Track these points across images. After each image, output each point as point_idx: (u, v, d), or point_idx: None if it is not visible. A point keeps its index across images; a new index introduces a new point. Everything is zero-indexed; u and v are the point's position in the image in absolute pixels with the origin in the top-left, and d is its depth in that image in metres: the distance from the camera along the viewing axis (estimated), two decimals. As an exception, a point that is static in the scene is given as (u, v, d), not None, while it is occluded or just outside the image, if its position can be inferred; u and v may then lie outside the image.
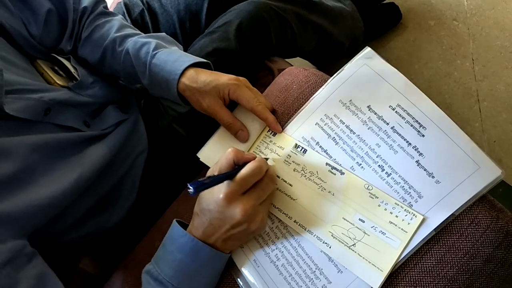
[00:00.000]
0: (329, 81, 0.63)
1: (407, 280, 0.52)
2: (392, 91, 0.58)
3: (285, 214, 0.60)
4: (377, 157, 0.57)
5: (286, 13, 0.87)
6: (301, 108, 0.65)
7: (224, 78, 0.67)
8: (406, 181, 0.54)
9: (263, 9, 0.83)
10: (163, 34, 0.79)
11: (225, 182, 0.54)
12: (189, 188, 0.49)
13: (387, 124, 0.57)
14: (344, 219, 0.56)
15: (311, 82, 0.69)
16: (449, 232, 0.52)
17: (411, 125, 0.56)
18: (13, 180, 0.53)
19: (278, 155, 0.63)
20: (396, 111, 0.57)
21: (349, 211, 0.56)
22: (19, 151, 0.55)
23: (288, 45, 0.91)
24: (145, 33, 0.78)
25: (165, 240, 0.59)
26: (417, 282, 0.52)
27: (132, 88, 0.89)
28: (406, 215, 0.53)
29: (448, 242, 0.52)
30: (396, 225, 0.53)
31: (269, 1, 0.86)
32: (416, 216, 0.52)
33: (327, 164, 0.59)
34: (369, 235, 0.54)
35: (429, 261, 0.52)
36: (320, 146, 0.61)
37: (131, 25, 0.81)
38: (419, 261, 0.52)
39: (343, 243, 0.55)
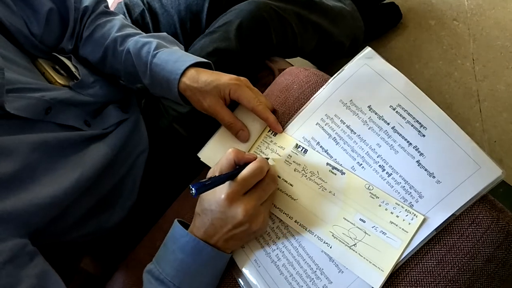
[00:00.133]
0: (329, 81, 0.63)
1: (407, 280, 0.52)
2: (393, 91, 0.58)
3: (286, 214, 0.60)
4: (377, 157, 0.57)
5: (287, 13, 0.87)
6: (302, 108, 0.65)
7: (225, 78, 0.67)
8: (407, 181, 0.54)
9: (264, 9, 0.83)
10: (164, 34, 0.79)
11: (227, 183, 0.54)
12: (191, 190, 0.49)
13: (388, 124, 0.57)
14: (345, 219, 0.56)
15: (312, 82, 0.69)
16: (449, 232, 0.52)
17: (412, 125, 0.56)
18: (14, 179, 0.53)
19: (279, 155, 0.63)
20: (396, 111, 0.57)
21: (350, 211, 0.56)
22: (20, 150, 0.55)
23: (289, 45, 0.91)
24: (145, 33, 0.78)
25: (166, 240, 0.60)
26: (418, 282, 0.52)
27: (133, 88, 0.89)
28: (406, 215, 0.53)
29: (449, 242, 0.52)
30: (396, 225, 0.53)
31: (270, 1, 0.86)
32: (416, 216, 0.52)
33: (327, 164, 0.59)
34: (369, 235, 0.54)
35: (430, 261, 0.52)
36: (321, 146, 0.61)
37: (132, 25, 0.81)
38: (420, 261, 0.52)
39: (343, 243, 0.55)
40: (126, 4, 0.97)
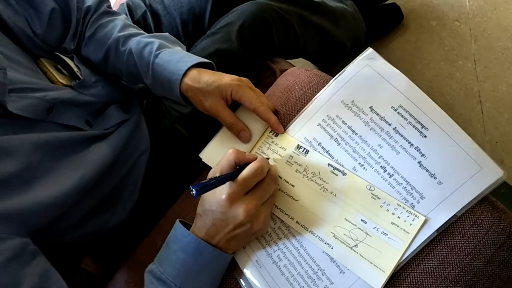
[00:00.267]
0: (331, 82, 0.63)
1: (409, 281, 0.52)
2: (394, 92, 0.58)
3: (287, 214, 0.60)
4: (379, 158, 0.57)
5: (288, 14, 0.87)
6: (303, 109, 0.65)
7: (226, 78, 0.67)
8: (408, 182, 0.54)
9: (265, 10, 0.83)
10: (166, 34, 0.79)
11: (228, 183, 0.54)
12: (192, 191, 0.49)
13: (389, 125, 0.57)
14: (346, 220, 0.56)
15: (313, 83, 0.69)
16: (451, 233, 0.52)
17: (413, 126, 0.56)
18: (16, 179, 0.53)
19: (280, 156, 0.64)
20: (398, 112, 0.57)
21: (351, 212, 0.56)
22: (22, 150, 0.55)
23: (290, 46, 0.91)
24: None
25: (168, 240, 0.60)
26: (419, 283, 0.52)
27: (135, 88, 0.89)
28: (408, 216, 0.53)
29: (450, 243, 0.52)
30: (398, 226, 0.53)
31: (271, 2, 0.86)
32: (418, 217, 0.52)
33: (329, 164, 0.59)
34: (371, 236, 0.54)
35: (431, 262, 0.52)
36: (322, 147, 0.61)
37: (134, 25, 0.81)
38: (421, 262, 0.52)
39: (345, 243, 0.55)
40: (128, 6, 0.97)
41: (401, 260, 0.52)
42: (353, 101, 0.60)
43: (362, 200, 0.56)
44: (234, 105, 0.70)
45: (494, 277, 0.51)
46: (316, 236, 0.57)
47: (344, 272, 0.54)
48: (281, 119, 0.67)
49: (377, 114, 0.58)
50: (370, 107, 0.59)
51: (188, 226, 0.59)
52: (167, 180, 0.82)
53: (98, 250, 0.82)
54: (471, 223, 0.52)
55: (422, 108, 0.56)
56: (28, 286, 0.48)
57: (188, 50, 0.80)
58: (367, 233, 0.54)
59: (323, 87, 0.64)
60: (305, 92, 0.68)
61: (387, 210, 0.54)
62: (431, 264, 0.52)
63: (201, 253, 0.56)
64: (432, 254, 0.52)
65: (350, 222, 0.56)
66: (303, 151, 0.62)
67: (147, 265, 0.60)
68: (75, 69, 0.72)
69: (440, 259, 0.52)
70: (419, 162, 0.54)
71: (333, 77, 0.64)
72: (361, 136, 0.59)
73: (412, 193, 0.54)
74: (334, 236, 0.56)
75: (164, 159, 0.81)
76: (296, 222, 0.59)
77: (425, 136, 0.55)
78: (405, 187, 0.54)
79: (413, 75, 1.26)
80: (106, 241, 0.78)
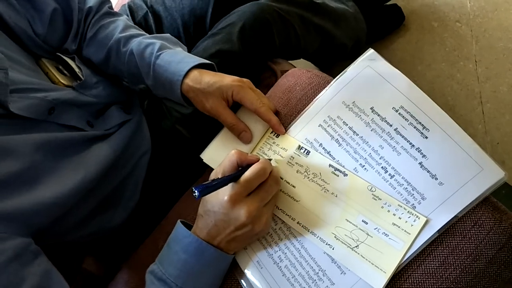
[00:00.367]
0: (332, 82, 0.63)
1: (410, 281, 0.52)
2: (395, 92, 0.58)
3: (288, 215, 0.60)
4: (380, 158, 0.57)
5: (289, 15, 0.87)
6: (304, 110, 0.65)
7: (227, 79, 0.67)
8: (409, 183, 0.54)
9: (267, 11, 0.83)
10: (168, 35, 0.79)
11: (230, 184, 0.54)
12: (194, 192, 0.49)
13: (390, 125, 0.57)
14: (347, 220, 0.56)
15: (314, 84, 0.69)
16: (452, 234, 0.52)
17: (414, 127, 0.56)
18: (18, 178, 0.53)
19: (281, 157, 0.64)
20: (399, 113, 0.57)
21: (352, 213, 0.56)
22: (23, 150, 0.55)
23: (291, 47, 0.91)
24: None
25: (169, 240, 0.60)
26: (420, 284, 0.52)
27: (136, 89, 0.89)
28: (409, 217, 0.53)
29: (451, 243, 0.52)
30: (399, 227, 0.53)
31: (273, 3, 0.86)
32: (419, 218, 0.52)
33: (330, 165, 0.59)
34: (372, 237, 0.54)
35: (432, 262, 0.52)
36: (323, 148, 0.61)
37: (136, 26, 0.81)
38: (422, 262, 0.52)
39: (346, 244, 0.55)
40: (129, 7, 0.97)
41: (402, 261, 0.52)
42: (354, 102, 0.60)
43: (363, 201, 0.56)
44: (235, 106, 0.70)
45: (496, 278, 0.51)
46: (317, 237, 0.57)
47: (345, 273, 0.54)
48: (282, 120, 0.67)
49: (378, 115, 0.58)
50: (371, 108, 0.59)
51: (189, 227, 0.59)
52: (168, 180, 0.82)
53: (99, 250, 0.82)
54: (472, 224, 0.52)
55: (423, 109, 0.56)
56: (30, 285, 0.48)
57: (189, 51, 0.80)
58: (368, 234, 0.54)
59: (324, 88, 0.64)
60: (306, 93, 0.68)
61: (388, 211, 0.54)
62: (432, 265, 0.52)
63: (202, 254, 0.56)
64: (433, 255, 0.52)
65: (351, 222, 0.56)
66: (304, 151, 0.62)
67: (148, 265, 0.60)
68: (77, 69, 0.72)
69: (441, 260, 0.52)
70: (420, 163, 0.54)
71: (334, 78, 0.64)
72: (362, 137, 0.59)
73: (413, 194, 0.54)
74: (335, 236, 0.56)
75: (165, 159, 0.81)
76: (297, 223, 0.59)
77: (426, 137, 0.55)
78: (406, 188, 0.54)
79: (414, 76, 1.25)
80: (107, 241, 0.78)
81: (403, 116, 0.57)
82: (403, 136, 0.56)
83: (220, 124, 0.70)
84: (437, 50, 1.25)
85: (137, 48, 0.72)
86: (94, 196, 0.67)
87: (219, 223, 0.55)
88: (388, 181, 0.56)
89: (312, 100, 0.65)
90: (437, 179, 0.53)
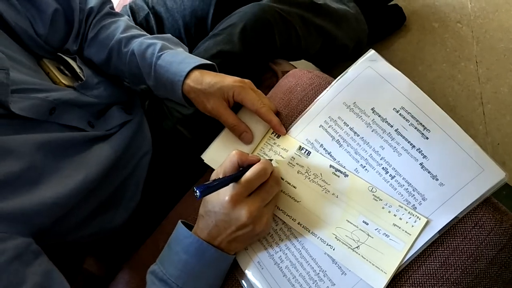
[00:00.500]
0: (333, 83, 0.63)
1: (410, 282, 0.52)
2: (396, 93, 0.58)
3: (289, 216, 0.60)
4: (381, 159, 0.57)
5: (291, 16, 0.87)
6: (305, 110, 0.65)
7: (229, 80, 0.67)
8: (410, 184, 0.54)
9: (268, 12, 0.83)
10: (169, 35, 0.79)
11: (230, 185, 0.55)
12: (195, 192, 0.49)
13: (391, 126, 0.57)
14: (348, 221, 0.56)
15: (315, 85, 0.69)
16: (453, 234, 0.52)
17: (415, 128, 0.56)
18: (19, 179, 0.53)
19: (282, 157, 0.64)
20: (400, 114, 0.57)
21: (353, 213, 0.56)
22: (24, 150, 0.55)
23: (293, 47, 0.91)
24: None
25: (170, 241, 0.60)
26: (420, 285, 0.52)
27: (137, 89, 0.89)
28: (410, 218, 0.53)
29: (452, 244, 0.52)
30: (400, 228, 0.53)
31: (274, 4, 0.86)
32: (420, 219, 0.52)
33: (331, 166, 0.59)
34: (372, 238, 0.54)
35: (433, 263, 0.52)
36: (324, 148, 0.61)
37: (137, 26, 0.81)
38: (422, 263, 0.52)
39: (346, 245, 0.55)
40: (131, 8, 0.97)
41: (403, 262, 0.52)
42: (355, 102, 0.61)
43: (364, 202, 0.56)
44: (236, 107, 0.70)
45: (496, 279, 0.51)
46: (317, 238, 0.57)
47: (345, 274, 0.54)
48: (283, 120, 0.68)
49: (379, 116, 0.58)
50: (372, 109, 0.59)
51: (190, 227, 0.59)
52: (169, 181, 0.82)
53: (100, 250, 0.82)
54: (473, 225, 0.52)
55: (424, 109, 0.56)
56: (31, 285, 0.48)
57: (190, 52, 0.80)
58: (368, 235, 0.54)
59: (325, 89, 0.64)
60: (307, 93, 0.68)
61: (389, 212, 0.54)
62: (433, 266, 0.52)
63: (203, 254, 0.56)
64: (434, 256, 0.52)
65: (351, 223, 0.56)
66: (305, 152, 0.62)
67: (149, 265, 0.61)
68: (78, 70, 0.72)
69: (442, 261, 0.52)
70: (420, 164, 0.54)
71: (335, 78, 0.64)
72: (363, 137, 0.59)
73: (413, 195, 0.54)
74: (335, 237, 0.56)
75: (166, 160, 0.81)
76: (298, 223, 0.59)
77: (427, 138, 0.55)
78: (407, 188, 0.54)
79: (415, 76, 1.25)
80: (108, 241, 0.78)
81: (404, 117, 0.57)
82: (403, 137, 0.56)
83: (221, 125, 0.70)
84: (438, 51, 1.25)
85: (138, 48, 0.72)
86: (95, 196, 0.67)
87: (220, 223, 0.55)
88: (388, 181, 0.56)
89: (313, 101, 0.65)
90: (437, 180, 0.53)
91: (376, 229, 0.54)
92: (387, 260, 0.53)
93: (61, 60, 0.73)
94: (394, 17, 1.31)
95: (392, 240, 0.53)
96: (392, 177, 0.55)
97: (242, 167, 0.57)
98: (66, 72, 0.72)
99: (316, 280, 0.56)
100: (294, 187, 0.61)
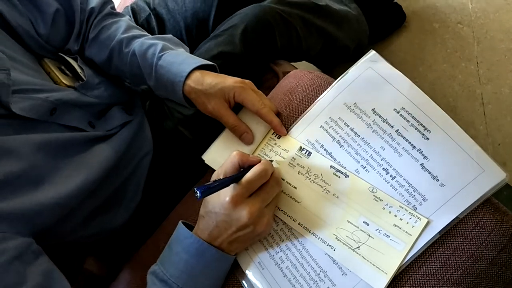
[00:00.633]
0: (333, 84, 0.63)
1: (411, 283, 0.52)
2: (397, 94, 0.58)
3: (289, 216, 0.60)
4: (381, 160, 0.57)
5: (292, 17, 0.88)
6: (306, 111, 0.65)
7: (229, 80, 0.67)
8: (411, 184, 0.54)
9: (269, 13, 0.83)
10: (170, 35, 0.79)
11: (231, 185, 0.55)
12: (196, 193, 0.49)
13: (392, 127, 0.57)
14: (349, 221, 0.56)
15: (316, 85, 0.69)
16: (453, 235, 0.52)
17: (416, 128, 0.56)
18: (19, 179, 0.53)
19: (283, 158, 0.64)
20: (400, 114, 0.57)
21: (354, 214, 0.56)
22: (24, 150, 0.55)
23: (293, 48, 0.91)
24: None
25: (170, 241, 0.60)
26: (421, 285, 0.52)
27: (138, 90, 0.89)
28: (410, 218, 0.53)
29: (453, 245, 0.52)
30: (400, 228, 0.53)
31: (275, 5, 0.86)
32: (420, 219, 0.52)
33: (331, 167, 0.60)
34: (373, 238, 0.54)
35: (433, 264, 0.52)
36: (325, 149, 0.61)
37: (138, 26, 0.81)
38: (423, 264, 0.52)
39: (347, 245, 0.55)
40: (132, 9, 0.98)
41: (403, 262, 0.52)
42: (355, 103, 0.61)
43: (364, 202, 0.56)
44: (237, 107, 0.70)
45: (497, 279, 0.51)
46: (318, 238, 0.57)
47: (346, 274, 0.54)
48: (284, 121, 0.68)
49: (380, 116, 0.59)
50: (373, 109, 0.59)
51: (190, 228, 0.59)
52: (170, 181, 0.82)
53: (101, 250, 0.82)
54: (474, 225, 0.52)
55: (425, 110, 0.56)
56: (31, 285, 0.48)
57: (191, 53, 0.80)
58: (369, 235, 0.54)
59: (325, 89, 0.64)
60: (308, 94, 0.68)
61: (390, 212, 0.54)
62: (433, 266, 0.52)
63: (204, 255, 0.56)
64: (434, 256, 0.52)
65: (352, 224, 0.56)
66: (305, 153, 0.62)
67: (149, 266, 0.61)
68: (79, 70, 0.72)
69: (442, 261, 0.52)
70: (421, 164, 0.54)
71: (335, 79, 0.64)
72: (363, 138, 0.59)
73: (414, 195, 0.54)
74: (336, 238, 0.56)
75: (166, 160, 0.82)
76: (299, 224, 0.59)
77: (428, 138, 0.55)
78: (408, 189, 0.54)
79: (416, 77, 1.25)
80: (109, 242, 0.79)
81: (405, 118, 0.57)
82: (404, 138, 0.56)
83: (222, 125, 0.70)
84: (439, 51, 1.25)
85: (139, 48, 0.72)
86: (96, 196, 0.67)
87: (221, 224, 0.55)
88: (389, 182, 0.56)
89: (313, 102, 0.65)
90: (438, 180, 0.53)
91: (376, 230, 0.54)
92: (387, 260, 0.53)
93: (62, 60, 0.73)
94: (394, 16, 1.31)
95: (392, 240, 0.53)
96: (393, 178, 0.56)
97: (242, 167, 0.57)
98: (67, 72, 0.72)
99: (316, 281, 0.56)
100: (295, 187, 0.61)
